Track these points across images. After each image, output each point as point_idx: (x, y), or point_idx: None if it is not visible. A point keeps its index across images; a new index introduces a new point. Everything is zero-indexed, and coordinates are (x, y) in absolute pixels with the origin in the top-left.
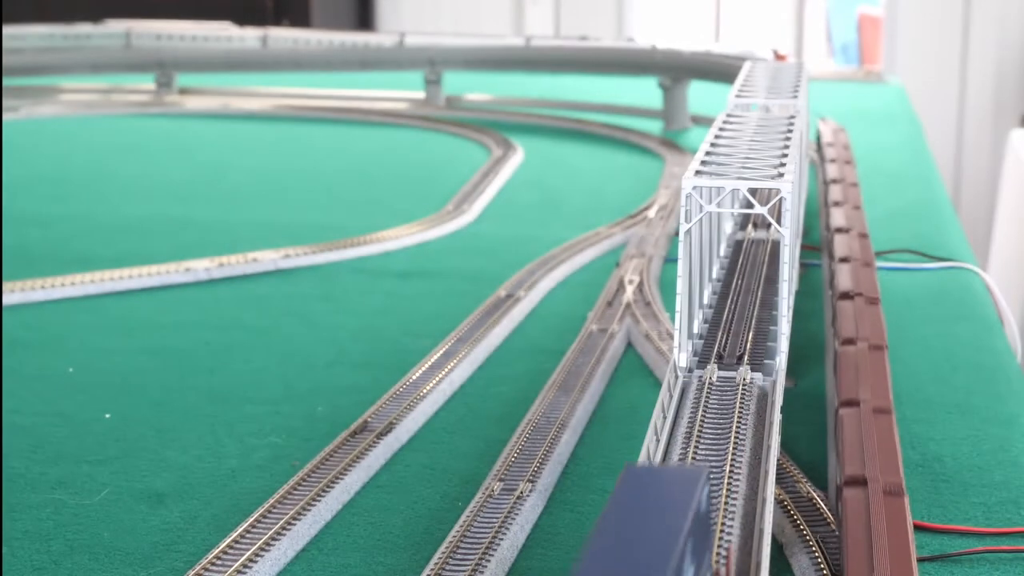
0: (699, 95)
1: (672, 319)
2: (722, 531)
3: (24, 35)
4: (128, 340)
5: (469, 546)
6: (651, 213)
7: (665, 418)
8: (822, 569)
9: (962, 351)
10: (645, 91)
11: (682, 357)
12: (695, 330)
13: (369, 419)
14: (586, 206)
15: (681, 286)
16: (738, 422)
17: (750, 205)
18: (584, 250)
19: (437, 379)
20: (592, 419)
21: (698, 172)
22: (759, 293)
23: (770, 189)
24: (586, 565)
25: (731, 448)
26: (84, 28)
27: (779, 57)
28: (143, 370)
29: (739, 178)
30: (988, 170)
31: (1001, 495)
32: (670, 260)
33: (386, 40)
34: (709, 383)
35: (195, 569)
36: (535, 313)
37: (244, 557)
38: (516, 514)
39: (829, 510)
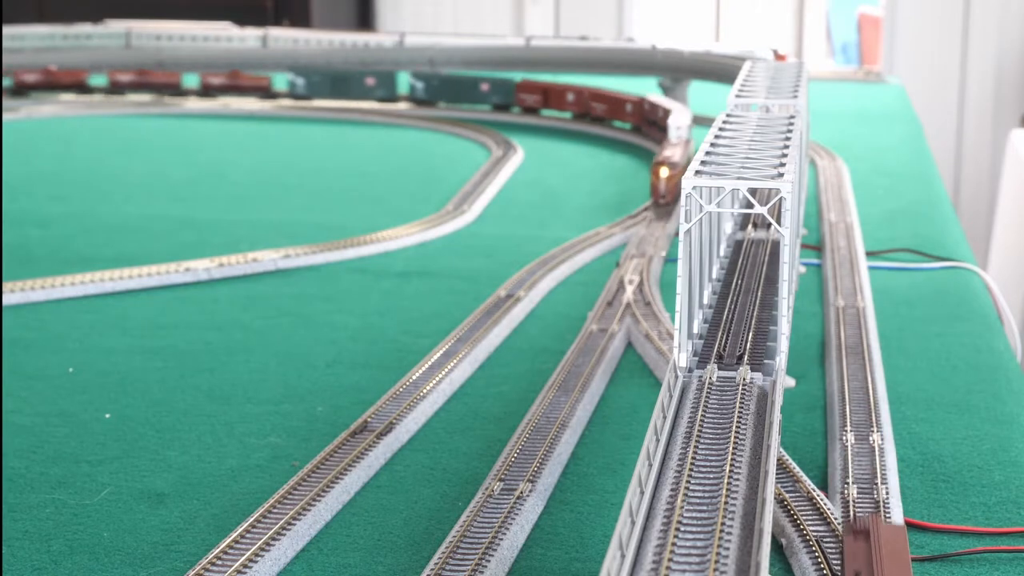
0: (699, 95)
1: (672, 319)
2: (722, 531)
3: (24, 35)
4: (128, 340)
5: (469, 546)
6: (651, 213)
7: (665, 418)
8: (822, 569)
9: (962, 351)
10: (645, 91)
11: (682, 357)
12: (695, 330)
13: (369, 419)
14: (586, 206)
15: (681, 286)
16: (738, 422)
17: (750, 205)
18: (584, 250)
19: (437, 379)
20: (592, 419)
21: (698, 172)
22: (759, 293)
23: (770, 189)
24: None
25: (731, 448)
26: (84, 28)
27: (779, 57)
28: (143, 370)
29: (739, 178)
30: (988, 170)
31: (1001, 495)
32: (670, 260)
33: (386, 40)
34: (709, 383)
35: (195, 569)
36: (535, 313)
37: (244, 557)
38: (516, 514)
39: (829, 511)
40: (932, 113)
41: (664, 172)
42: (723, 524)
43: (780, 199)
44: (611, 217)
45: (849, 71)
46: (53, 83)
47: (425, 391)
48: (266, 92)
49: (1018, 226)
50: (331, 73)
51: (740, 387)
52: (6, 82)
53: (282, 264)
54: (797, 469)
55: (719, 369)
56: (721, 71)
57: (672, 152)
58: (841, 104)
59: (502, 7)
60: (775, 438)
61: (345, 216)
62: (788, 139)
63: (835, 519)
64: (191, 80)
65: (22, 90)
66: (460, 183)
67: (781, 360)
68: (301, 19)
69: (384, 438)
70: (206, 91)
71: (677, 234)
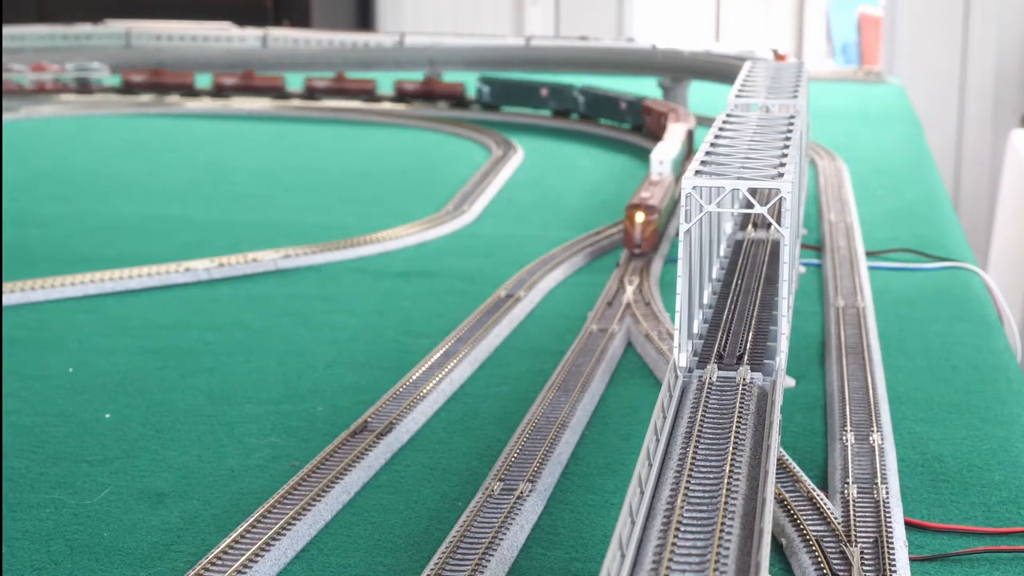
0: (699, 95)
1: (672, 319)
2: (722, 531)
3: (24, 35)
4: (128, 340)
5: (469, 546)
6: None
7: (665, 418)
8: (822, 569)
9: (962, 351)
10: (645, 91)
11: (682, 357)
12: (695, 330)
13: (369, 419)
14: (586, 206)
15: (681, 286)
16: (738, 422)
17: (750, 205)
18: (584, 250)
19: (437, 379)
20: (592, 419)
21: (698, 172)
22: (759, 293)
23: (770, 189)
24: None
25: (731, 448)
26: (84, 28)
27: (779, 57)
28: (143, 370)
29: (739, 178)
30: (988, 170)
31: (1001, 495)
32: (670, 260)
33: (386, 40)
34: (709, 383)
35: (195, 569)
36: (535, 313)
37: (244, 557)
38: (516, 514)
39: (829, 511)
40: (932, 113)
41: (640, 217)
42: (723, 524)
43: (780, 199)
44: (611, 217)
45: (849, 71)
46: None
47: (425, 391)
48: (459, 100)
49: (1018, 226)
50: (510, 83)
51: (740, 387)
52: None
53: (282, 264)
54: (797, 469)
55: (719, 369)
56: (721, 71)
57: (650, 193)
58: (841, 104)
59: (502, 7)
60: (775, 438)
61: (345, 216)
62: (788, 139)
63: (835, 519)
64: (386, 84)
65: None
66: (460, 183)
67: (781, 360)
68: (301, 19)
69: (384, 438)
70: (401, 97)
71: (677, 234)
